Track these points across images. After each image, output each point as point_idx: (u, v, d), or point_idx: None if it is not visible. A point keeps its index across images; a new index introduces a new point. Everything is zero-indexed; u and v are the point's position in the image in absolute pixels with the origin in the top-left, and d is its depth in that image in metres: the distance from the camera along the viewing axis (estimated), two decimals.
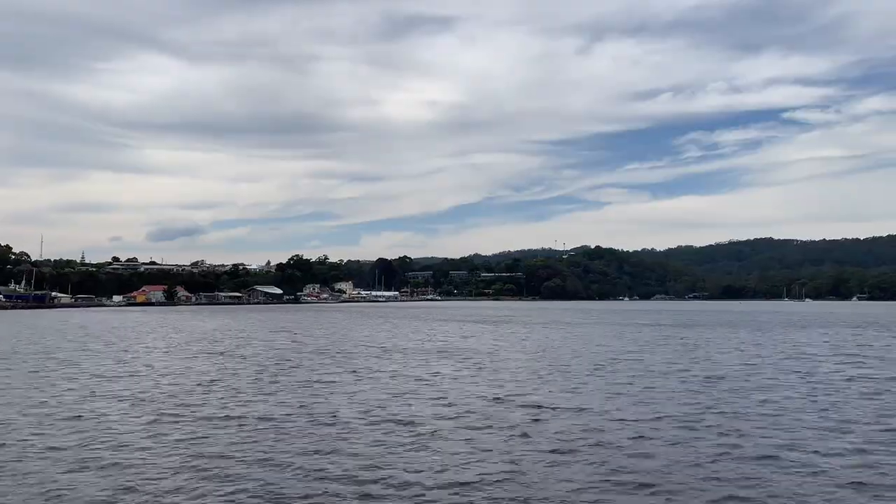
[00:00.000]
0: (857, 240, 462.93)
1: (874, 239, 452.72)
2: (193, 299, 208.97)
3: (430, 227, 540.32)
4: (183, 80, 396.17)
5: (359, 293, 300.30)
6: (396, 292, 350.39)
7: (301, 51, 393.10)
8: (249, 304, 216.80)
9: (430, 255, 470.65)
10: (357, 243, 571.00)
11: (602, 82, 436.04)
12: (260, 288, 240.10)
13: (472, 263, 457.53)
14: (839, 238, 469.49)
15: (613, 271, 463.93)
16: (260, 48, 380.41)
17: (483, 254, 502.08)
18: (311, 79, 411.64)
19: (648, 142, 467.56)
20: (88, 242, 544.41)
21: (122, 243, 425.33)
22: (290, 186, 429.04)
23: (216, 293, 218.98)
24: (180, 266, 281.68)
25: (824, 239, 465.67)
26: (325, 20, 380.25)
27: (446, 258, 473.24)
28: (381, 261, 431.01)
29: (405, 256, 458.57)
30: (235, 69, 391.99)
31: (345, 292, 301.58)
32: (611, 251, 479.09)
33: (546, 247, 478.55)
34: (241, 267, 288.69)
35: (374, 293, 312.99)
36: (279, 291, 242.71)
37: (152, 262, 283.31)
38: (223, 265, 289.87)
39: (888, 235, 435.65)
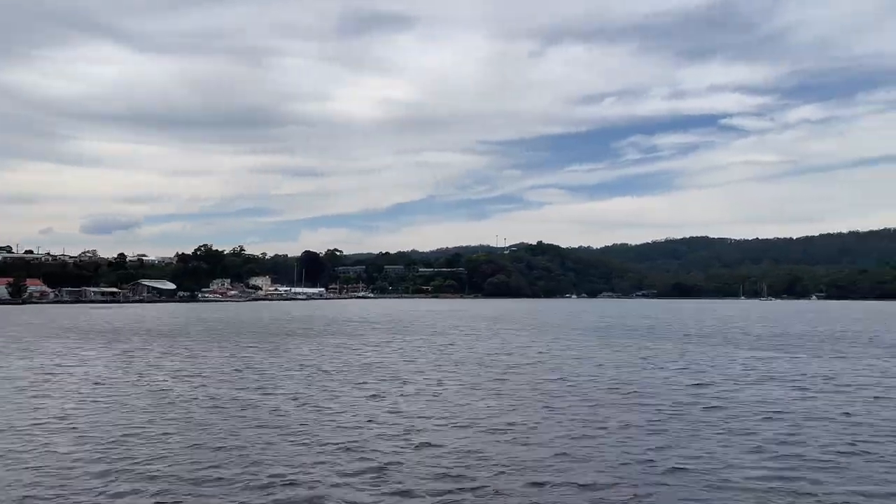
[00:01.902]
0: (790, 239, 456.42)
1: (807, 238, 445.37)
2: (53, 295, 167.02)
3: (369, 224, 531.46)
4: (134, 71, 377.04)
5: (276, 289, 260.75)
6: (322, 289, 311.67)
7: (259, 44, 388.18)
8: (130, 301, 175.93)
9: (365, 252, 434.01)
10: (296, 240, 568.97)
11: (553, 86, 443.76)
12: (147, 282, 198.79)
13: (409, 258, 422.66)
14: (772, 237, 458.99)
15: (557, 267, 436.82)
16: (218, 41, 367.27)
17: (421, 250, 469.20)
18: (267, 73, 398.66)
19: (590, 144, 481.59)
20: (19, 234, 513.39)
21: (53, 236, 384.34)
22: (231, 181, 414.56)
23: (84, 288, 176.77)
24: (73, 258, 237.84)
25: (757, 238, 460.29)
26: (285, 15, 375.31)
27: (382, 252, 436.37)
28: (308, 254, 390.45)
29: (335, 250, 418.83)
30: (190, 61, 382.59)
31: (260, 288, 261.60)
32: (553, 247, 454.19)
33: (485, 244, 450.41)
34: (134, 258, 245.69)
35: (294, 289, 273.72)
36: (171, 286, 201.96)
37: (28, 252, 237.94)
38: (114, 258, 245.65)
39: (820, 234, 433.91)
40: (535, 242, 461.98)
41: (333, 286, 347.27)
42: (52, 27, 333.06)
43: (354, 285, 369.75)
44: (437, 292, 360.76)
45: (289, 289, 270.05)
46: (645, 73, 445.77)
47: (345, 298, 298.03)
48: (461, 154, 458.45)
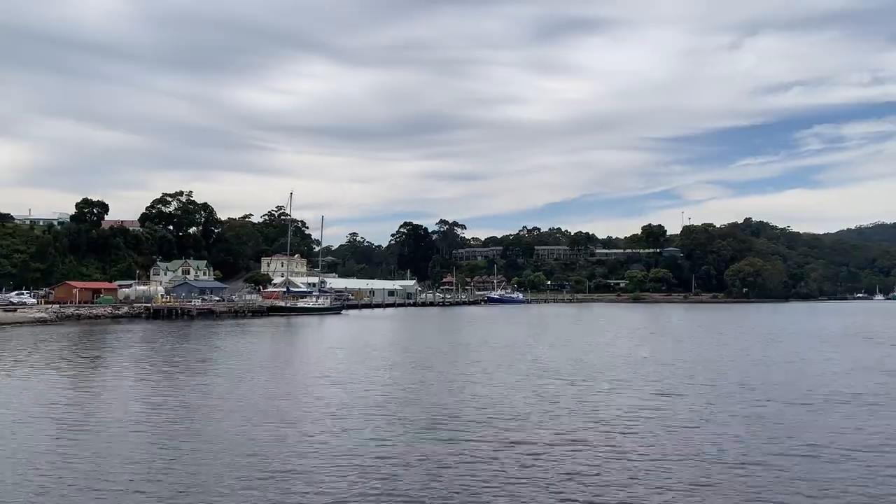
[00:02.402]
0: None
1: None
2: None
3: (518, 223, 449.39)
4: (336, 85, 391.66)
5: (284, 288, 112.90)
6: (424, 285, 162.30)
7: (454, 55, 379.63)
8: None
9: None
10: None
11: (740, 78, 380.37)
12: None
13: (573, 239, 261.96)
14: None
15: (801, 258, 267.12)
16: (415, 52, 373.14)
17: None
18: (456, 81, 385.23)
19: (767, 136, 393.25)
20: None
21: None
22: (397, 186, 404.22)
23: None
24: None
25: None
26: (482, 24, 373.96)
27: (528, 229, 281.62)
28: (409, 229, 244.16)
29: (455, 223, 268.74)
30: (386, 73, 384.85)
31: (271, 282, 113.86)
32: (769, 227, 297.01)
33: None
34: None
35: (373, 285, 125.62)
36: None
37: None
38: None
39: None
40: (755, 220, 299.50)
41: (447, 281, 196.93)
42: (272, 47, 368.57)
43: (486, 278, 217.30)
44: (638, 291, 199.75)
45: (323, 286, 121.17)
46: (840, 60, 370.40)
47: (463, 304, 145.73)
48: (623, 152, 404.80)
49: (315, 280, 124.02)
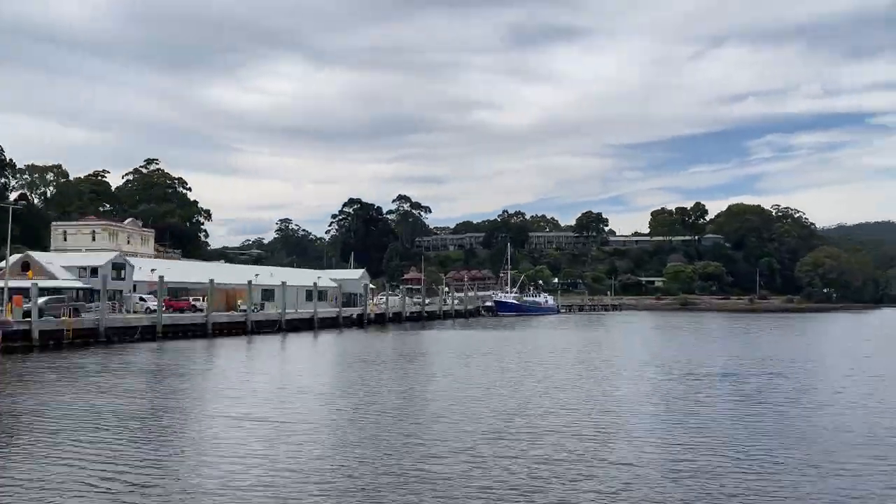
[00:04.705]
0: None
1: None
2: None
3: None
4: (313, 85, 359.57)
5: None
6: (364, 275, 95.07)
7: (433, 59, 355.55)
8: None
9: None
10: None
11: (700, 88, 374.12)
12: None
13: (580, 222, 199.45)
14: None
15: None
16: (393, 55, 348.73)
17: None
18: (430, 84, 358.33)
19: (721, 144, 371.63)
20: None
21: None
22: (357, 188, 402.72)
23: None
24: None
25: None
26: (460, 30, 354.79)
27: (502, 213, 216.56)
28: (354, 203, 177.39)
29: (416, 203, 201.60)
30: (361, 75, 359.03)
31: None
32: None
33: None
34: None
35: None
36: None
37: None
38: None
39: None
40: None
41: (412, 276, 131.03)
42: (253, 45, 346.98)
43: (473, 273, 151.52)
44: (681, 292, 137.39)
45: None
46: (800, 72, 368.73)
47: (453, 317, 79.31)
48: (584, 157, 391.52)
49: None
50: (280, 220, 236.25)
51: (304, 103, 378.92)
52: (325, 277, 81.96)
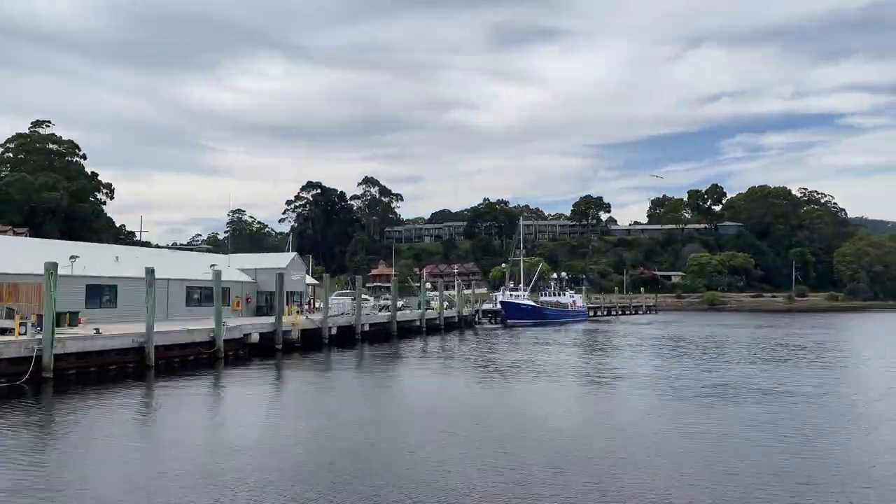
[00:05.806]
0: None
1: None
2: None
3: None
4: (292, 83, 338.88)
5: None
6: (307, 268, 66.57)
7: (415, 58, 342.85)
8: None
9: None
10: None
11: (677, 89, 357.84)
12: None
13: (579, 208, 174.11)
14: None
15: None
16: (375, 54, 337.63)
17: None
18: (411, 84, 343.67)
19: (694, 144, 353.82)
20: None
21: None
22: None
23: None
24: None
25: None
26: (443, 30, 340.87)
27: (484, 202, 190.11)
28: (313, 188, 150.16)
29: (386, 188, 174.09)
30: (343, 74, 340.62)
31: None
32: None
33: None
34: None
35: None
36: None
37: None
38: None
39: None
40: None
41: (380, 270, 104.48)
42: (231, 43, 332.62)
43: (457, 268, 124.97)
44: (705, 288, 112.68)
45: None
46: (773, 73, 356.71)
47: (443, 330, 51.63)
48: (564, 157, 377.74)
49: None
50: (231, 212, 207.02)
51: (284, 102, 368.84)
52: (233, 267, 53.55)
